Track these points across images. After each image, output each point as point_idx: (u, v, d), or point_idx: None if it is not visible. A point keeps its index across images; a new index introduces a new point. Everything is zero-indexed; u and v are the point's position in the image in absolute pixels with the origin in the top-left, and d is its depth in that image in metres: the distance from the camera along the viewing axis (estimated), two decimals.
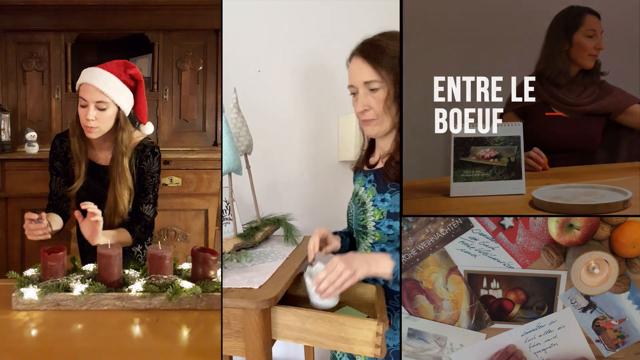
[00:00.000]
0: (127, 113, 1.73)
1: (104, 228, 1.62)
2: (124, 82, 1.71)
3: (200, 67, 2.76)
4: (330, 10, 2.30)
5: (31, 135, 2.61)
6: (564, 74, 1.87)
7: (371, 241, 1.46)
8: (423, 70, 2.24)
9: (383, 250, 1.43)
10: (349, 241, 1.60)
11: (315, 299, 1.28)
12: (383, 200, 1.41)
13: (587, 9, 1.87)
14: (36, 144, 2.62)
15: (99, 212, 1.58)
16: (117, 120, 1.71)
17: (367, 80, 1.32)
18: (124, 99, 1.70)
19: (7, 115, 2.63)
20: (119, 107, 1.69)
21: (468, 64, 2.30)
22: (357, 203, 1.50)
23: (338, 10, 2.30)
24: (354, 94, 1.37)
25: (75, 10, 2.63)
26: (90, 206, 1.56)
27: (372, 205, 1.43)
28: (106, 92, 1.65)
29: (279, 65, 2.34)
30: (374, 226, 1.43)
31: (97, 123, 1.67)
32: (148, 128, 1.84)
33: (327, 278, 1.23)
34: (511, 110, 1.90)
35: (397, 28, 1.45)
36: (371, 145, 1.53)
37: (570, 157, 1.84)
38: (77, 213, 1.60)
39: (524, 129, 1.96)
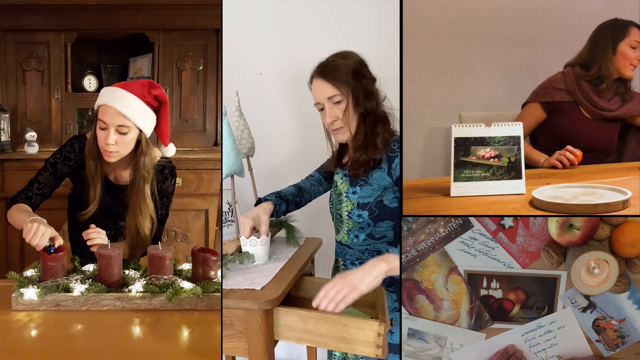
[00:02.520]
0: (148, 135, 1.62)
1: (127, 260, 1.54)
2: (147, 103, 1.59)
3: (201, 67, 2.76)
4: (331, 11, 2.30)
5: (31, 135, 2.61)
6: (605, 80, 1.96)
7: (346, 228, 1.58)
8: (424, 71, 2.25)
9: (357, 236, 1.56)
10: (285, 207, 1.70)
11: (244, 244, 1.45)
12: (354, 192, 1.55)
13: (632, 22, 1.97)
14: (36, 144, 2.62)
15: (102, 237, 1.51)
16: (138, 142, 1.61)
17: (329, 95, 1.50)
18: (147, 121, 1.60)
19: (7, 115, 2.63)
20: (140, 130, 1.60)
21: (469, 66, 2.31)
22: (336, 193, 1.63)
23: (339, 10, 2.29)
24: (321, 109, 1.55)
25: (75, 10, 2.63)
26: (93, 237, 1.49)
27: (346, 197, 1.57)
28: (129, 115, 1.54)
29: (280, 67, 2.33)
30: (347, 215, 1.56)
31: (117, 147, 1.57)
32: (170, 150, 1.73)
33: (326, 295, 1.26)
34: (537, 102, 2.01)
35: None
36: (342, 148, 1.67)
37: (587, 157, 1.90)
38: (85, 234, 1.52)
39: (548, 124, 2.01)
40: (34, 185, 1.69)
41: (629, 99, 2.00)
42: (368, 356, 1.22)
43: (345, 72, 1.50)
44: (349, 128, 1.51)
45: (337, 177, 1.64)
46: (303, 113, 2.36)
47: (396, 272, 1.34)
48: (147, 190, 1.65)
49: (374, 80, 1.54)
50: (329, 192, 1.79)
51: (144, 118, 1.59)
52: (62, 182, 1.75)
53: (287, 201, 1.71)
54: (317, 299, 1.26)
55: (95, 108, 1.60)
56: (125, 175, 1.71)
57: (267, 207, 1.61)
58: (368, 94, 1.50)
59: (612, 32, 1.97)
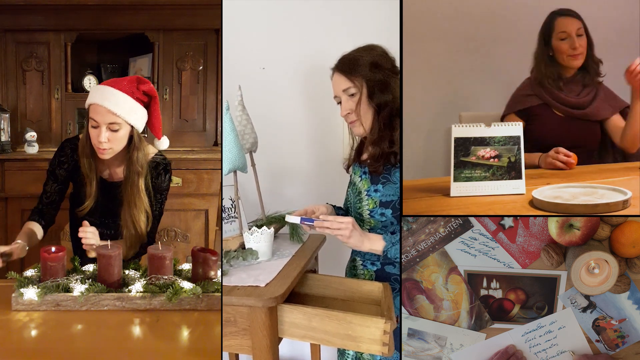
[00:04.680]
0: (140, 130, 1.65)
1: (125, 259, 1.56)
2: (137, 99, 1.62)
3: (201, 67, 2.76)
4: (330, 11, 2.30)
5: (31, 135, 2.61)
6: (558, 78, 1.91)
7: (367, 227, 1.57)
8: (423, 71, 2.25)
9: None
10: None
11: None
12: (376, 190, 1.53)
13: (561, 11, 1.89)
14: (36, 144, 2.62)
15: (96, 240, 1.56)
16: (131, 137, 1.64)
17: (344, 88, 1.52)
18: (138, 117, 1.62)
19: (7, 115, 2.63)
20: (132, 126, 1.62)
21: (469, 66, 2.31)
22: (355, 192, 1.61)
23: (339, 11, 2.29)
24: (339, 102, 1.57)
25: (75, 10, 2.62)
26: (87, 237, 1.54)
27: (367, 195, 1.55)
28: (118, 113, 1.56)
29: (282, 64, 2.34)
30: (368, 214, 1.55)
31: (110, 144, 1.60)
32: (163, 143, 1.75)
33: (331, 221, 1.42)
34: (512, 113, 1.96)
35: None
36: (362, 143, 1.66)
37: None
38: (81, 231, 1.56)
39: (527, 130, 1.97)
40: (42, 196, 1.75)
41: (602, 93, 1.92)
42: (374, 354, 1.22)
43: (361, 65, 1.50)
44: (363, 121, 1.52)
45: (355, 176, 1.63)
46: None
47: (375, 251, 1.48)
48: (142, 184, 1.67)
49: (395, 73, 1.53)
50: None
51: (134, 114, 1.61)
52: (68, 186, 1.78)
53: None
54: (323, 216, 1.44)
55: (86, 107, 1.62)
56: (119, 172, 1.73)
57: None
58: (384, 87, 1.49)
59: (544, 29, 1.91)
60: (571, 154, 1.80)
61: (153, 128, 1.70)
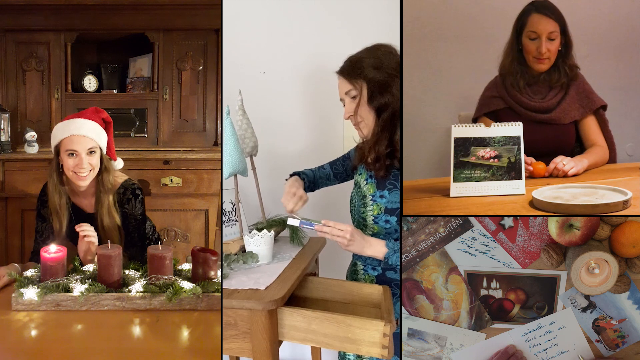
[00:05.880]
0: (104, 151, 1.79)
1: None
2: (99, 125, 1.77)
3: (201, 67, 2.76)
4: (330, 11, 2.30)
5: (31, 135, 2.61)
6: (522, 78, 1.76)
7: (370, 233, 1.55)
8: (424, 71, 2.25)
9: None
10: (307, 185, 1.75)
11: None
12: (382, 196, 1.51)
13: (539, 5, 1.71)
14: (36, 144, 2.62)
15: (94, 233, 1.61)
16: (101, 161, 1.77)
17: (346, 90, 1.52)
18: (104, 140, 1.78)
19: (7, 115, 2.63)
20: (101, 149, 1.76)
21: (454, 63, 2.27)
22: (359, 194, 1.59)
23: (338, 11, 2.29)
24: (345, 105, 1.56)
25: (75, 10, 2.63)
26: (85, 229, 1.60)
27: (372, 200, 1.53)
28: (94, 137, 1.72)
29: (282, 66, 2.33)
30: (372, 220, 1.53)
31: (90, 167, 1.72)
32: (119, 163, 1.88)
33: (331, 227, 1.45)
34: (483, 115, 1.83)
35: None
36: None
37: (548, 160, 1.69)
38: (78, 227, 1.62)
39: None
40: (36, 236, 1.82)
41: (570, 92, 1.75)
42: (374, 356, 1.22)
43: (362, 67, 1.48)
44: (366, 123, 1.51)
45: (361, 178, 1.60)
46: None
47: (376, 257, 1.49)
48: (110, 200, 1.77)
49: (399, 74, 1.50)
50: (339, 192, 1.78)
51: (102, 137, 1.77)
52: None
53: (308, 183, 1.76)
54: (327, 221, 1.46)
55: (57, 143, 1.72)
56: (93, 202, 1.80)
57: (301, 183, 1.68)
58: (384, 89, 1.47)
59: (517, 23, 1.73)
60: (531, 163, 1.65)
61: (109, 149, 1.83)
